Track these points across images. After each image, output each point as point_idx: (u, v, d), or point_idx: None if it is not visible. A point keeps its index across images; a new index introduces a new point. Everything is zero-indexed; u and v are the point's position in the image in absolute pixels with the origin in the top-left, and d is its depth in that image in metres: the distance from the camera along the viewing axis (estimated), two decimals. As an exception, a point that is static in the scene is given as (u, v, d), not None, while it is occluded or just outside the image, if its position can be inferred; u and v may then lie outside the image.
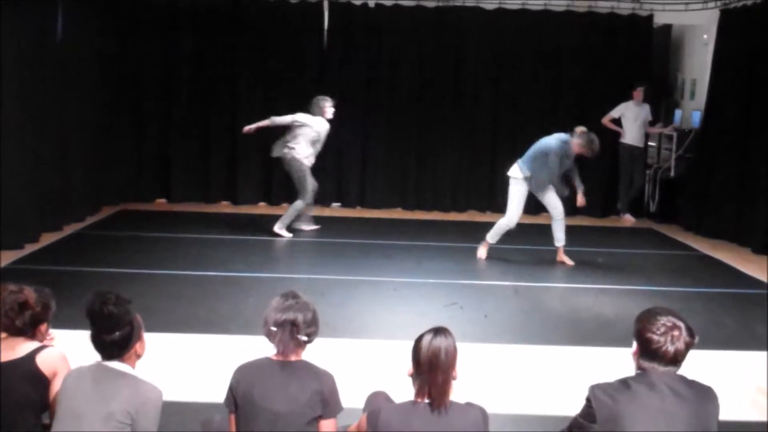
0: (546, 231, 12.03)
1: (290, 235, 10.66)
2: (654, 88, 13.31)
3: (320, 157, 13.09)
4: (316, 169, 12.61)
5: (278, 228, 10.64)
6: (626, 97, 12.77)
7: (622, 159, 13.01)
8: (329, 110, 10.65)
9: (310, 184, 10.74)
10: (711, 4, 12.44)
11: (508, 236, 9.76)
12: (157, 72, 12.98)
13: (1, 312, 3.80)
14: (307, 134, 10.48)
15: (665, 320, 3.35)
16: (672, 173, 12.86)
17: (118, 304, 3.53)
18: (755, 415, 5.37)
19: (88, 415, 3.42)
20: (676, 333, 3.32)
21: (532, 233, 11.71)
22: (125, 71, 12.78)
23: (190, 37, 12.90)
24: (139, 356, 3.68)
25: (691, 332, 3.37)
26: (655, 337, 3.32)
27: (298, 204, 10.73)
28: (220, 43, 12.88)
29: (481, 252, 9.87)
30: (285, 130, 10.62)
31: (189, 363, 5.98)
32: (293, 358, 3.74)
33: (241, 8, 12.85)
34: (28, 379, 3.72)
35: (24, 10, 9.39)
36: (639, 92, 12.69)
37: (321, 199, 13.24)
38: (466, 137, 13.22)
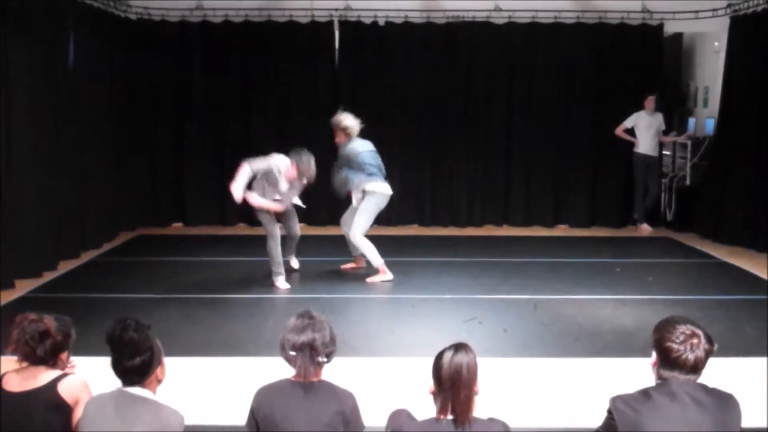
0: (564, 243, 12.03)
1: (288, 285, 9.18)
2: (666, 97, 13.29)
3: (333, 177, 13.17)
4: (328, 189, 12.60)
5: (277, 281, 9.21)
6: (639, 106, 12.75)
7: (637, 168, 12.97)
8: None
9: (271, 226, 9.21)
10: (721, 12, 12.43)
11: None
12: (170, 95, 13.06)
13: (22, 341, 3.83)
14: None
15: (684, 328, 3.34)
16: (687, 181, 12.82)
17: (138, 330, 3.54)
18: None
19: (110, 441, 3.44)
20: (695, 341, 3.31)
21: (548, 246, 11.71)
22: (138, 95, 12.86)
23: (202, 60, 13.00)
24: (159, 381, 3.69)
25: (710, 339, 3.35)
26: (675, 346, 3.31)
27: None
28: (232, 64, 12.95)
29: None
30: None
31: (209, 386, 5.99)
32: (313, 379, 3.74)
33: (252, 29, 12.91)
34: (50, 408, 3.74)
35: (36, 37, 9.48)
36: (651, 101, 12.66)
37: (337, 218, 13.26)
38: (480, 152, 13.21)
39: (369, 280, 9.47)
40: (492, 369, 5.63)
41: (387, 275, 9.48)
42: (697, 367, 3.33)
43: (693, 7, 12.79)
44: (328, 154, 13.20)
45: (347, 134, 9.60)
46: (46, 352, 3.84)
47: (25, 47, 9.25)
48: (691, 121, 13.45)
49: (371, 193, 9.51)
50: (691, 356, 3.30)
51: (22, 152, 9.14)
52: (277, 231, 9.24)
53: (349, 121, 9.59)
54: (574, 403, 5.65)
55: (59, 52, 10.33)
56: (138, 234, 12.50)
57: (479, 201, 13.39)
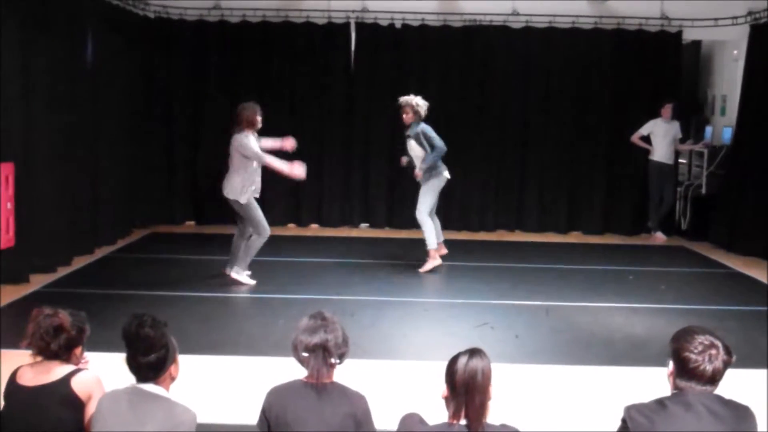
0: (577, 250, 11.99)
1: (253, 281, 9.19)
2: (683, 105, 13.24)
3: (347, 178, 13.16)
4: (342, 190, 12.66)
5: (236, 273, 9.16)
6: (655, 114, 12.70)
7: (652, 176, 12.92)
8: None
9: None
10: (741, 20, 12.38)
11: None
12: (187, 93, 13.10)
13: (37, 335, 3.83)
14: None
15: (702, 339, 3.30)
16: (703, 190, 12.76)
17: (154, 327, 3.54)
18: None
19: (122, 437, 3.43)
20: (713, 352, 3.28)
21: (561, 252, 11.68)
22: (155, 93, 12.93)
23: (218, 59, 13.02)
24: (173, 379, 3.69)
25: (728, 351, 3.32)
26: (693, 356, 3.28)
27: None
28: (249, 64, 12.97)
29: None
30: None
31: (222, 385, 5.98)
32: (326, 380, 3.73)
33: (269, 29, 12.93)
34: (63, 403, 3.74)
35: (54, 34, 9.51)
36: (668, 109, 12.61)
37: (349, 219, 13.27)
38: (494, 156, 13.19)
39: (421, 270, 9.99)
40: (503, 375, 5.62)
41: (436, 260, 10.02)
42: (714, 379, 3.30)
43: (712, 14, 12.73)
44: (344, 153, 13.28)
45: (416, 113, 9.97)
46: (60, 347, 3.84)
47: (44, 44, 9.28)
48: (708, 129, 13.39)
49: (436, 175, 9.91)
50: (709, 367, 3.27)
51: (39, 149, 9.19)
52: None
53: (419, 100, 10.04)
54: (585, 411, 5.62)
55: (77, 50, 10.36)
56: (152, 231, 12.53)
57: (492, 205, 13.36)
